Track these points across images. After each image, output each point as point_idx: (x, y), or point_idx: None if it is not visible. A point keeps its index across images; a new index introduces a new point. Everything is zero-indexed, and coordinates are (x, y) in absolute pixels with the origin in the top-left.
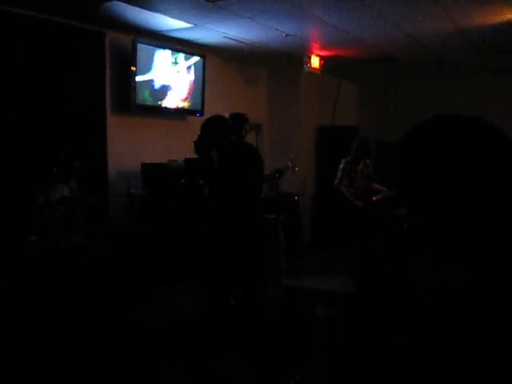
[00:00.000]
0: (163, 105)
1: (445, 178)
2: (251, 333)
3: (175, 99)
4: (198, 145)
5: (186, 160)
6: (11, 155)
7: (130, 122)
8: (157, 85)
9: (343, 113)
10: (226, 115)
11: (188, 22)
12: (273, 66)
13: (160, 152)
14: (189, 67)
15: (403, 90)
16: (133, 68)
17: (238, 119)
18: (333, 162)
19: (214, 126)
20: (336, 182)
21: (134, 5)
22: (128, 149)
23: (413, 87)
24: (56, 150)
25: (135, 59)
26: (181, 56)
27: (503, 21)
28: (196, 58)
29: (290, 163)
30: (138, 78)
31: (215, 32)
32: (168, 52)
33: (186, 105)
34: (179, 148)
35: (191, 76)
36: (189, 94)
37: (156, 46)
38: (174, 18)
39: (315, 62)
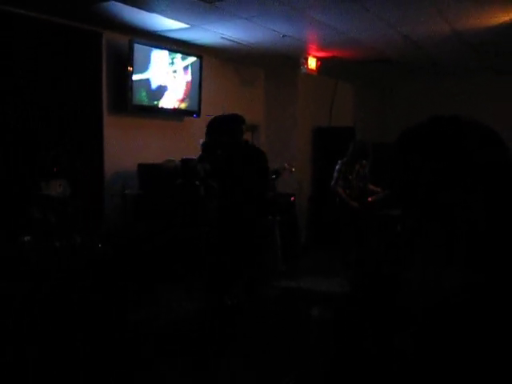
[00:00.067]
0: (160, 105)
1: (439, 179)
2: (251, 333)
3: (172, 100)
4: (205, 145)
5: (183, 160)
6: (7, 155)
7: (127, 123)
8: (153, 85)
9: (340, 114)
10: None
11: (185, 23)
12: (270, 66)
13: (156, 152)
14: (186, 68)
15: (400, 92)
16: (129, 68)
17: (234, 120)
18: (329, 163)
19: (217, 126)
20: (332, 182)
21: (131, 5)
22: (124, 149)
23: (409, 88)
24: (53, 150)
25: (132, 59)
26: (178, 56)
27: (498, 23)
28: (193, 59)
29: (286, 164)
30: (135, 79)
31: (212, 33)
32: (165, 52)
33: (182, 105)
34: (176, 148)
35: (188, 77)
36: (185, 94)
37: (153, 47)
38: (170, 18)
39: (312, 63)
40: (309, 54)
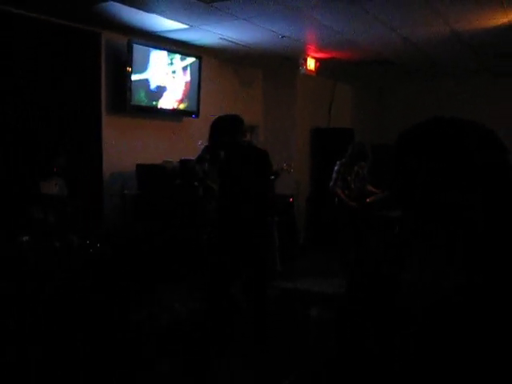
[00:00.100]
0: (159, 106)
1: (438, 180)
2: (250, 333)
3: (171, 100)
4: (209, 145)
5: (181, 161)
6: (5, 155)
7: (126, 123)
8: (152, 86)
9: (338, 115)
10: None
11: (184, 23)
12: (268, 67)
13: (155, 153)
14: (185, 68)
15: (398, 93)
16: (128, 68)
17: (234, 121)
18: (328, 163)
19: (218, 126)
20: (331, 183)
21: (130, 5)
22: (123, 149)
23: (408, 90)
24: (52, 150)
25: (131, 60)
26: (177, 57)
27: (497, 25)
28: (192, 59)
29: (285, 165)
30: (134, 79)
31: (211, 33)
32: (164, 53)
33: (181, 106)
34: (174, 149)
35: (187, 77)
36: (184, 95)
37: (152, 47)
38: (169, 18)
39: (311, 64)
40: (307, 55)
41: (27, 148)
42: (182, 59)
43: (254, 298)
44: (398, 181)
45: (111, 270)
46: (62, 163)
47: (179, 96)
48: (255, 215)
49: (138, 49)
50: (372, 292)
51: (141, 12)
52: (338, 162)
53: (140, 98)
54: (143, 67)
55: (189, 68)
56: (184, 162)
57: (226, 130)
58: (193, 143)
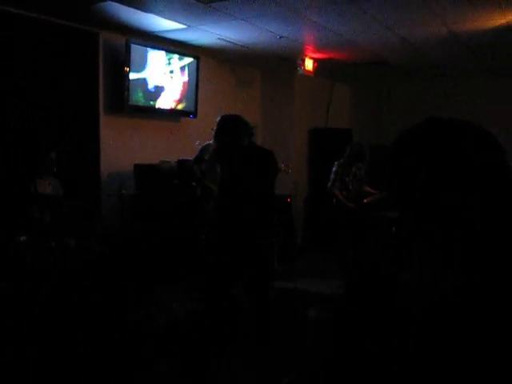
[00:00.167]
0: (156, 106)
1: (436, 181)
2: (251, 333)
3: (168, 100)
4: (217, 147)
5: (179, 161)
6: (2, 155)
7: (123, 123)
8: (150, 86)
9: (336, 115)
10: (218, 117)
11: (182, 23)
12: (267, 68)
13: (153, 153)
14: (182, 68)
15: (396, 94)
16: (126, 68)
17: (236, 121)
18: (326, 164)
19: (221, 127)
20: (329, 184)
21: (128, 5)
22: (121, 149)
23: (406, 90)
24: (50, 150)
25: (129, 60)
26: (174, 57)
27: (495, 25)
28: (190, 60)
29: (283, 165)
30: (132, 79)
31: (209, 33)
32: (162, 53)
33: (179, 106)
34: (172, 149)
35: (185, 77)
36: (182, 95)
37: (150, 47)
38: (167, 18)
39: (309, 64)
40: (306, 56)
41: (24, 148)
42: (179, 59)
43: (256, 298)
44: (396, 181)
45: (109, 270)
46: (53, 160)
47: (177, 96)
48: (257, 215)
49: (135, 49)
50: (370, 292)
51: (139, 12)
52: (336, 163)
53: (138, 97)
54: (141, 67)
55: (187, 68)
56: (182, 162)
57: (228, 130)
58: (191, 143)
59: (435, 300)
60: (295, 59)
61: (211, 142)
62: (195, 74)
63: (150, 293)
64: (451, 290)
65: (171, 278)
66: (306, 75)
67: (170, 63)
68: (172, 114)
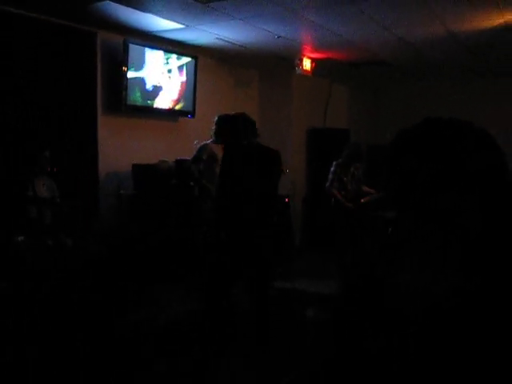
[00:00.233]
0: (154, 106)
1: (435, 181)
2: (251, 333)
3: (166, 100)
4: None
5: (177, 161)
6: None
7: (121, 123)
8: (148, 85)
9: (334, 115)
10: (216, 117)
11: (180, 23)
12: (264, 67)
13: (151, 153)
14: (180, 68)
15: (394, 93)
16: (124, 68)
17: (235, 120)
18: (324, 164)
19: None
20: (327, 184)
21: (126, 5)
22: (119, 149)
23: (404, 90)
24: (48, 150)
25: (127, 59)
26: (172, 57)
27: (493, 25)
28: (188, 59)
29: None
30: (130, 79)
31: (207, 33)
32: (160, 53)
33: (177, 106)
34: (170, 149)
35: (183, 77)
36: (180, 95)
37: (148, 47)
38: (165, 18)
39: (307, 64)
40: (303, 55)
41: (22, 147)
42: (177, 59)
43: (256, 298)
44: (394, 182)
45: (107, 270)
46: (47, 159)
47: (175, 96)
48: (257, 215)
49: (133, 48)
50: (368, 293)
51: (137, 12)
52: (334, 163)
53: (136, 97)
54: (139, 67)
55: (185, 68)
56: (180, 162)
57: (227, 130)
58: (189, 143)
59: (435, 300)
60: (293, 59)
61: (209, 141)
62: (193, 74)
63: (149, 293)
64: (451, 291)
65: (169, 277)
66: (304, 75)
67: (168, 63)
68: (170, 113)
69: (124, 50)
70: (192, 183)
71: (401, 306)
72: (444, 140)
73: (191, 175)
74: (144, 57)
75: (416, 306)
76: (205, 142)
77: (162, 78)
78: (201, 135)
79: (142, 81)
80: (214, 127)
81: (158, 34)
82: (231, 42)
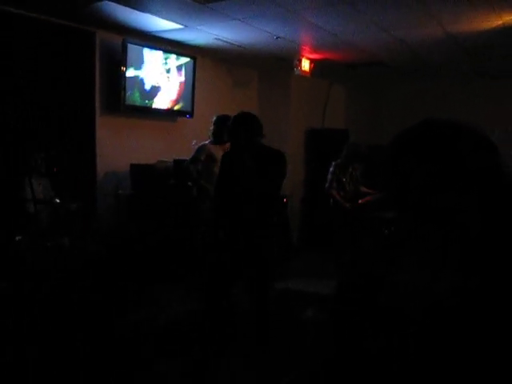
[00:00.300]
0: (153, 106)
1: (433, 181)
2: (251, 333)
3: (165, 100)
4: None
5: (175, 161)
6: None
7: (120, 123)
8: (147, 85)
9: (333, 116)
10: (213, 117)
11: (179, 23)
12: (263, 68)
13: (149, 153)
14: (179, 68)
15: (393, 94)
16: (123, 68)
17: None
18: (322, 164)
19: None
20: (326, 185)
21: (125, 5)
22: (117, 149)
23: (402, 91)
24: (46, 150)
25: (125, 59)
26: (171, 57)
27: (491, 27)
28: (186, 60)
29: None
30: (128, 78)
31: (206, 33)
32: (158, 53)
33: (176, 106)
34: (169, 149)
35: (182, 77)
36: (179, 95)
37: (146, 47)
38: (164, 18)
39: (306, 64)
40: (302, 56)
41: (19, 148)
42: (176, 59)
43: (256, 298)
44: (393, 182)
45: (106, 270)
46: (42, 160)
47: (174, 96)
48: (257, 215)
49: (132, 48)
50: (366, 293)
51: (136, 12)
52: (332, 163)
53: (134, 97)
54: (138, 67)
55: (183, 68)
56: (178, 162)
57: (227, 129)
58: (187, 143)
59: (434, 300)
60: (292, 60)
61: (207, 142)
62: (192, 74)
63: (149, 293)
64: (450, 290)
65: (168, 277)
66: (303, 76)
67: (166, 63)
68: (169, 113)
69: (123, 50)
70: (190, 183)
71: (400, 305)
72: (443, 140)
73: (189, 175)
74: (143, 57)
75: (416, 305)
76: (203, 143)
77: (160, 78)
78: (199, 135)
79: (140, 81)
80: (212, 127)
81: (157, 34)
82: (230, 43)
